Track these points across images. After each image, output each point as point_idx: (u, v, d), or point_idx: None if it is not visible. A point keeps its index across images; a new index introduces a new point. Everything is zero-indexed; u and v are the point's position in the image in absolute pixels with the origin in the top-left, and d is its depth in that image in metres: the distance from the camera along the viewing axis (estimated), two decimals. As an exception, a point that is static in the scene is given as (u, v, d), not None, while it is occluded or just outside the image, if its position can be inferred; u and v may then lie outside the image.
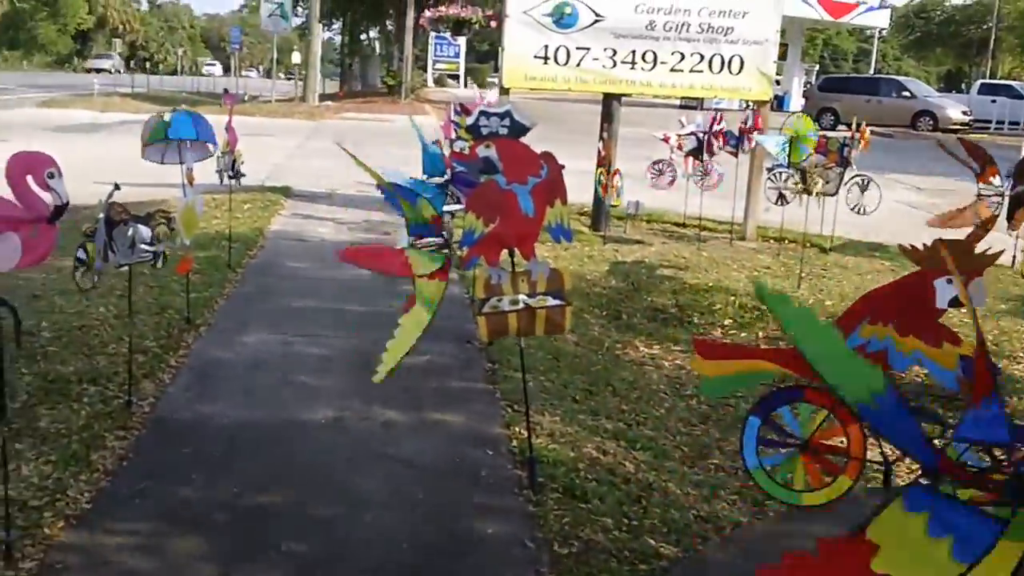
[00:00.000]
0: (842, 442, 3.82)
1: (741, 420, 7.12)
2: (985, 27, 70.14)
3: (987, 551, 2.35)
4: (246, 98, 44.12)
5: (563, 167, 5.34)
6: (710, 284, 10.63)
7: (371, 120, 34.30)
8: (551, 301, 5.33)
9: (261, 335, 8.12)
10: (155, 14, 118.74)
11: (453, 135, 13.53)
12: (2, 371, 4.45)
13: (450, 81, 68.01)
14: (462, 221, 5.63)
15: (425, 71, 60.74)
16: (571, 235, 5.44)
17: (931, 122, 40.44)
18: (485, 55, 79.89)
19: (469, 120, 5.47)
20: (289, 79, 62.90)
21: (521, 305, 5.31)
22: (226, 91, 10.05)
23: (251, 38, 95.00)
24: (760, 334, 9.11)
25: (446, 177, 8.09)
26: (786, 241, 13.60)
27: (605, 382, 7.44)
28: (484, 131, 5.39)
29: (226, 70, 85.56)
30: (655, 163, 14.02)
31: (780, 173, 13.76)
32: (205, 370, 7.21)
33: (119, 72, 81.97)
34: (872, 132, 12.55)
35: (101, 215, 5.80)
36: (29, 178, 4.33)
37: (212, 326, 8.29)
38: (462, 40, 67.18)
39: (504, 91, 13.39)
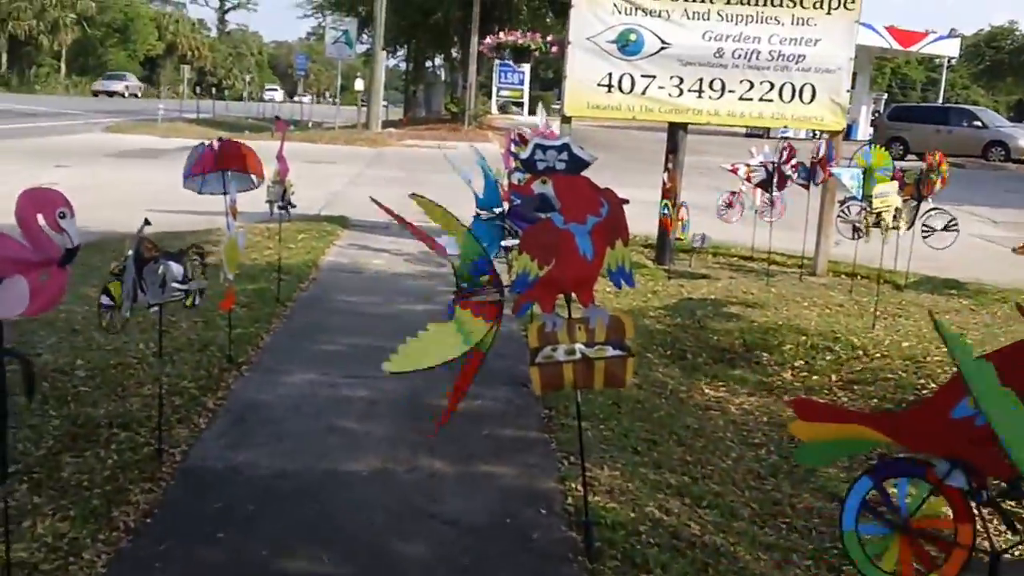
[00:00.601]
0: (947, 530, 3.34)
1: (813, 473, 6.79)
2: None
3: None
4: (310, 124, 44.15)
5: (626, 202, 4.89)
6: (779, 322, 10.08)
7: (433, 148, 34.01)
8: (611, 351, 4.87)
9: (306, 375, 7.73)
10: (224, 40, 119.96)
11: (512, 165, 13.31)
12: (4, 431, 4.05)
13: (514, 108, 67.77)
14: (516, 260, 5.20)
15: (489, 98, 60.40)
16: (633, 280, 4.98)
17: (1003, 152, 39.55)
18: (550, 83, 79.51)
19: (524, 154, 5.02)
20: (333, 103, 63.06)
21: (578, 356, 4.87)
22: (278, 118, 9.67)
23: (317, 65, 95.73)
24: (833, 377, 8.61)
25: (500, 210, 7.67)
26: (858, 277, 13.02)
27: (668, 430, 6.97)
28: (540, 165, 4.95)
29: (290, 95, 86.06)
30: (728, 194, 13.60)
31: (852, 206, 13.34)
32: (244, 414, 6.82)
33: (136, 96, 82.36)
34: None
35: (130, 252, 5.41)
36: (40, 217, 3.94)
37: (255, 365, 7.91)
38: (526, 67, 67.03)
39: (566, 120, 13.03)
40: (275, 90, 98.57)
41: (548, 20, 48.15)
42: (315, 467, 5.99)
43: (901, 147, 40.54)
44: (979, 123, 41.84)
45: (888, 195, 10.73)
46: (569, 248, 4.78)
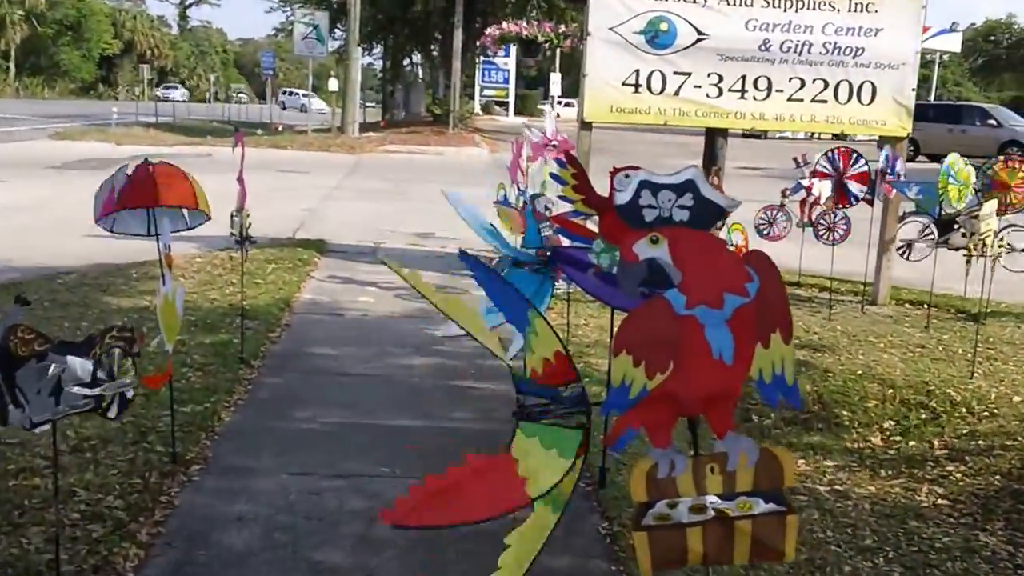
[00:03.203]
0: None
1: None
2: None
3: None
4: (280, 128, 42.47)
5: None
6: (856, 371, 8.65)
7: (418, 153, 32.33)
8: (762, 506, 3.22)
9: (279, 476, 6.03)
10: (186, 38, 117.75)
11: (520, 178, 11.64)
12: None
13: (497, 108, 66.37)
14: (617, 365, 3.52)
15: (472, 99, 58.79)
16: (799, 396, 3.32)
17: (1020, 153, 38.03)
18: (534, 81, 77.84)
19: (623, 195, 3.30)
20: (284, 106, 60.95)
21: (710, 515, 3.22)
22: (237, 129, 7.95)
23: (287, 63, 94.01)
24: (935, 443, 7.15)
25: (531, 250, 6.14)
26: (925, 305, 11.47)
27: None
28: (649, 215, 3.26)
29: (260, 96, 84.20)
30: (765, 209, 12.02)
31: (910, 224, 12.04)
32: (189, 551, 5.10)
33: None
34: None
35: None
36: None
37: (209, 463, 6.20)
38: (511, 65, 65.51)
39: (586, 127, 11.40)
40: (175, 88, 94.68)
41: (542, 9, 46.17)
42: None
43: (912, 148, 38.99)
44: (993, 121, 40.49)
45: (991, 217, 9.18)
46: (696, 346, 3.15)
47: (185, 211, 6.27)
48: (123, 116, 41.09)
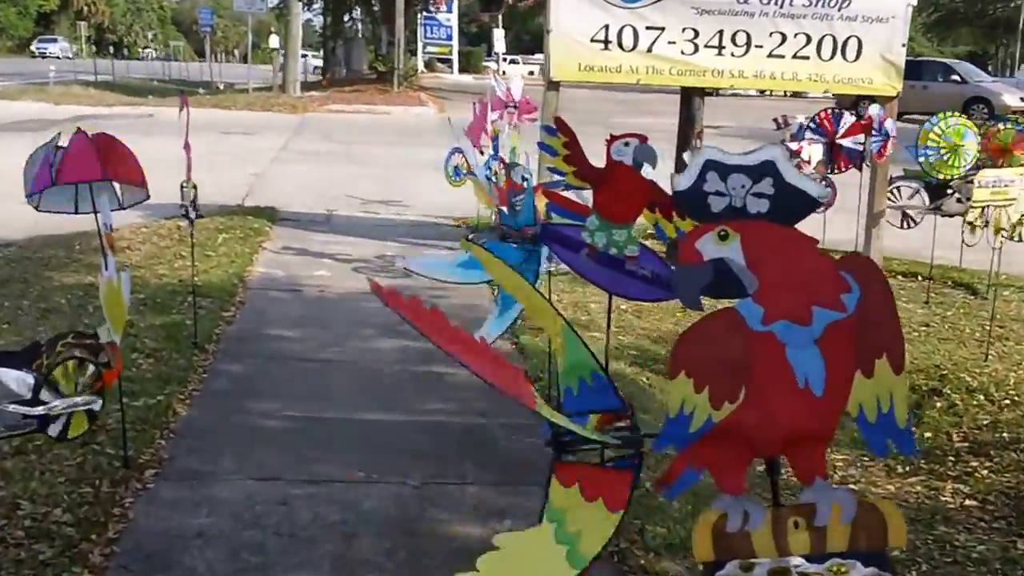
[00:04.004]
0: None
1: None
2: (1013, 5, 67.88)
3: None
4: (220, 87, 41.45)
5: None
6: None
7: (364, 113, 31.53)
8: (860, 571, 2.66)
9: (243, 482, 5.43)
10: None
11: (485, 142, 11.02)
12: None
13: (440, 65, 65.32)
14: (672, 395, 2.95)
15: (415, 55, 57.59)
16: (912, 440, 2.76)
17: (985, 110, 37.67)
18: (476, 38, 76.69)
19: (683, 179, 2.66)
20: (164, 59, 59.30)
21: (795, 581, 2.68)
22: (182, 93, 7.22)
23: (225, 20, 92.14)
24: (954, 435, 6.63)
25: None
26: (919, 278, 10.95)
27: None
28: (717, 204, 2.63)
29: (199, 55, 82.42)
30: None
31: (903, 188, 11.47)
32: (148, 573, 4.49)
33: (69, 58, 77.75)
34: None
35: None
36: None
37: (165, 466, 5.57)
38: (454, 21, 64.44)
39: (552, 86, 10.73)
40: (53, 41, 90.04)
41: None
42: None
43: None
44: (956, 77, 39.89)
45: (1005, 184, 8.62)
46: (775, 371, 2.59)
47: (118, 188, 5.59)
48: (61, 75, 39.82)
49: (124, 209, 5.77)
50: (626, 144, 4.69)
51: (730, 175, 2.63)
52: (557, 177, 5.23)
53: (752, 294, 2.56)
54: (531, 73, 46.64)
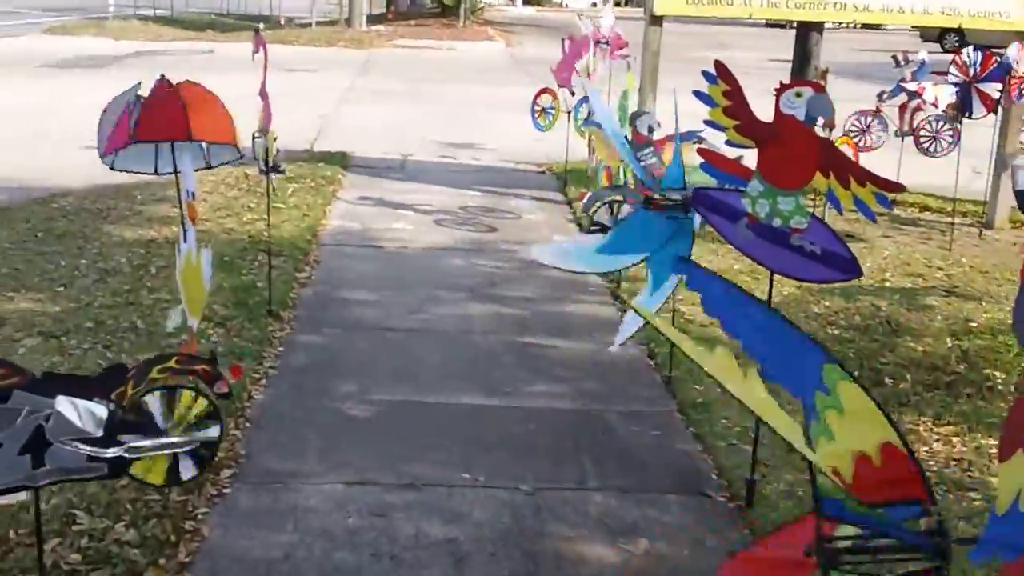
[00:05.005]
0: None
1: None
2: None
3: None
4: (282, 21, 40.69)
5: None
6: (1004, 319, 7.31)
7: (431, 48, 30.61)
8: None
9: (329, 488, 4.75)
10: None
11: (577, 84, 10.20)
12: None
13: (503, -3, 64.14)
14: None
15: (480, -14, 56.37)
16: None
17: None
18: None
19: None
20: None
21: None
22: (257, 31, 6.44)
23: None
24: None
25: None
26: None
27: None
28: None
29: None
30: (858, 115, 10.73)
31: None
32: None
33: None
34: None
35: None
36: None
37: (242, 467, 4.89)
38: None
39: (655, 21, 9.89)
40: None
41: None
42: None
43: (957, 38, 37.03)
44: None
45: None
46: None
47: (204, 145, 4.90)
48: (119, 8, 39.18)
49: (211, 168, 5.09)
50: (798, 95, 3.95)
51: None
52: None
53: None
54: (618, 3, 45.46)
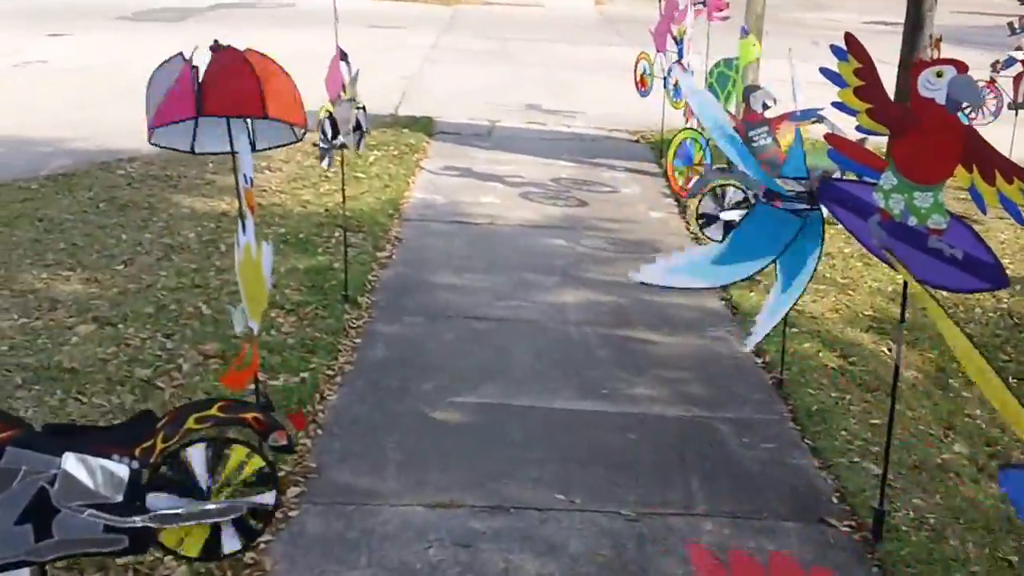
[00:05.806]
0: None
1: None
2: None
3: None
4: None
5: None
6: None
7: (517, 5, 29.96)
8: None
9: (409, 510, 4.28)
10: None
11: (670, 47, 9.56)
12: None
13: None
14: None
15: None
16: None
17: None
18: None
19: None
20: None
21: None
22: (344, 56, 5.88)
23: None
24: None
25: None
26: None
27: None
28: None
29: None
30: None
31: None
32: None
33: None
34: None
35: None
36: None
37: (310, 484, 4.41)
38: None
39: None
40: None
41: None
42: None
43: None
44: None
45: None
46: None
47: (249, 123, 4.36)
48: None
49: (269, 150, 4.59)
50: (938, 75, 3.39)
51: None
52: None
53: None
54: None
